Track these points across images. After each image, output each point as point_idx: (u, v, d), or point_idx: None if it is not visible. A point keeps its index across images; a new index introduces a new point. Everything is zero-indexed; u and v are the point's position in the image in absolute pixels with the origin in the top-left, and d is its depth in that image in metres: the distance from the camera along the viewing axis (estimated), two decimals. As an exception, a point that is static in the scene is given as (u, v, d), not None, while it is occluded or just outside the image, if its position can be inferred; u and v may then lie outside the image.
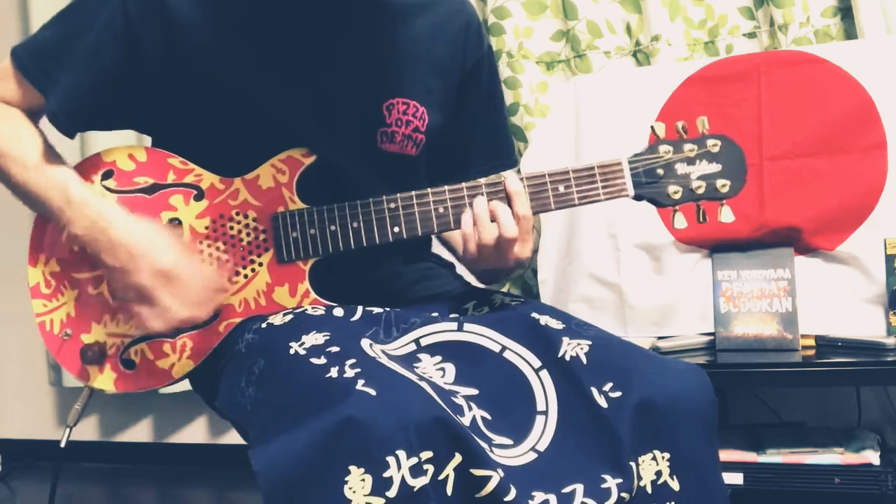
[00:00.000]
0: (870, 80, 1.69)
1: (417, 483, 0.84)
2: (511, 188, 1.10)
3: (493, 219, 1.09)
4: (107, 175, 1.14)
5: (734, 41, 2.06)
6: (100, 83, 1.11)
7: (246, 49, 1.13)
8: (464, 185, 1.12)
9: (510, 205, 1.10)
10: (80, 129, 1.15)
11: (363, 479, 0.83)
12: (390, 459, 0.83)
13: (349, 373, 0.90)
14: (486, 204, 1.10)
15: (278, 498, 0.84)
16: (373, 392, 0.87)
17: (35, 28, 1.16)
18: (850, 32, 1.94)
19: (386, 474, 0.83)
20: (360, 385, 0.88)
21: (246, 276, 1.13)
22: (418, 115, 1.21)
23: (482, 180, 1.12)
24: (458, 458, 0.87)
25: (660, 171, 1.12)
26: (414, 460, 0.84)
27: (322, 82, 1.15)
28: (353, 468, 0.83)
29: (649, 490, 0.97)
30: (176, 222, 1.14)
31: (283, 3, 1.14)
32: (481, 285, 1.29)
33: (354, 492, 0.82)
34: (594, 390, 1.00)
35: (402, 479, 0.83)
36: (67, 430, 1.21)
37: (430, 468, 0.86)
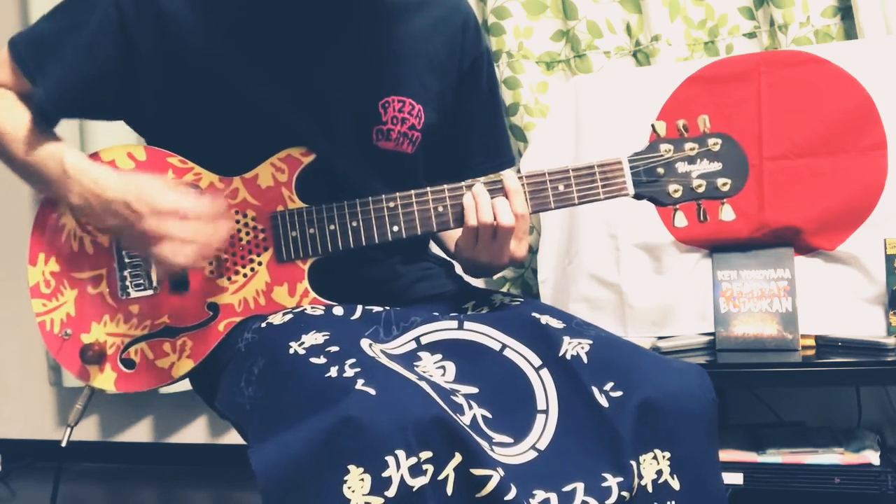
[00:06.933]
0: (870, 80, 1.69)
1: (416, 483, 0.84)
2: (510, 186, 1.10)
3: (492, 208, 1.09)
4: None
5: (734, 41, 2.06)
6: (90, 78, 1.12)
7: (241, 47, 1.13)
8: (463, 184, 1.12)
9: (508, 202, 1.10)
10: (63, 116, 1.17)
11: (362, 479, 0.83)
12: (389, 459, 0.83)
13: (349, 372, 0.90)
14: (485, 190, 1.10)
15: (277, 497, 0.84)
16: (372, 391, 0.87)
17: (34, 26, 1.17)
18: (850, 32, 1.94)
19: (385, 474, 0.83)
20: (359, 385, 0.88)
21: (245, 276, 1.13)
22: (414, 113, 1.21)
23: (482, 179, 1.13)
24: (457, 458, 0.87)
25: (660, 170, 1.12)
26: (413, 460, 0.84)
27: (318, 80, 1.15)
28: (351, 467, 0.83)
29: (650, 489, 0.97)
30: None
31: (278, 1, 1.14)
32: (481, 285, 1.29)
33: (353, 491, 0.82)
34: (595, 389, 0.99)
35: (402, 478, 0.83)
36: (68, 429, 1.21)
37: (430, 468, 0.86)
